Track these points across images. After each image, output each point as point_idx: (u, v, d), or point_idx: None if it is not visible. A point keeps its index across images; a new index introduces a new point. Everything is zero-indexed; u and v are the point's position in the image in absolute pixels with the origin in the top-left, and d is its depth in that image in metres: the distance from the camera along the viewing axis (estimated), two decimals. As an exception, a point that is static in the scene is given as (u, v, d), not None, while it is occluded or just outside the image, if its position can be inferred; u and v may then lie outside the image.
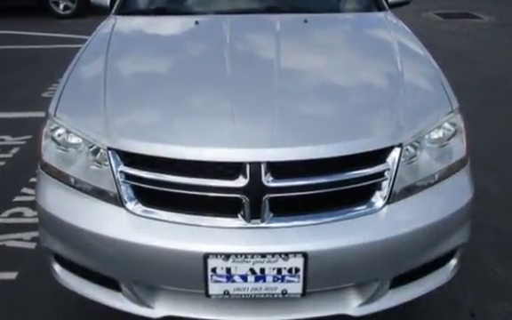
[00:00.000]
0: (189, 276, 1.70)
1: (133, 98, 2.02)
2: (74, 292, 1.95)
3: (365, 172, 1.73)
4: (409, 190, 1.80)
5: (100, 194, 1.79)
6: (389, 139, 1.77)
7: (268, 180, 1.66)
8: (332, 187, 1.71)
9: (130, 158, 1.75)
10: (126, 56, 2.39)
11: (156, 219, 1.72)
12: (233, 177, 1.67)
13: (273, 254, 1.64)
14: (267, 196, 1.67)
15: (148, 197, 1.75)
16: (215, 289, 1.70)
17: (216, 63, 2.19)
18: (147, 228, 1.72)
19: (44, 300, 2.37)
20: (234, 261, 1.65)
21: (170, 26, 2.72)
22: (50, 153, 1.92)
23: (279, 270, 1.66)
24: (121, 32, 2.61)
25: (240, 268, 1.66)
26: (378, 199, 1.75)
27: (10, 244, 2.79)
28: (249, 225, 1.69)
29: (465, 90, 4.57)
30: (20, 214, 3.07)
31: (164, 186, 1.72)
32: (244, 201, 1.67)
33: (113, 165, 1.76)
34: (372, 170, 1.73)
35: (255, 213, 1.68)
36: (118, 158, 1.76)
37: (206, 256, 1.64)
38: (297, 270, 1.66)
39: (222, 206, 1.71)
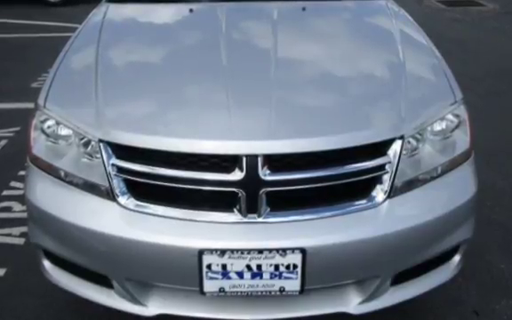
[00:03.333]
0: (184, 272, 1.65)
1: (126, 88, 1.95)
2: (64, 289, 1.89)
3: (365, 166, 1.68)
4: (411, 184, 1.75)
5: (91, 188, 1.73)
6: (390, 130, 1.72)
7: (264, 174, 1.60)
8: (331, 180, 1.66)
9: (122, 151, 1.69)
10: (118, 45, 2.32)
11: (149, 213, 1.67)
12: (229, 170, 1.62)
13: (270, 250, 1.59)
14: (263, 189, 1.61)
15: (140, 191, 1.69)
16: (210, 286, 1.64)
17: (211, 53, 2.12)
18: (139, 222, 1.66)
19: (33, 298, 2.30)
20: (230, 257, 1.60)
21: (163, 14, 2.64)
22: (39, 145, 1.86)
23: (276, 267, 1.61)
24: (113, 20, 2.53)
25: (236, 265, 1.61)
26: (378, 193, 1.70)
27: (-2, 239, 2.73)
28: (245, 220, 1.63)
29: (468, 80, 4.53)
30: (8, 209, 3.00)
31: (158, 179, 1.66)
32: (240, 195, 1.61)
33: (104, 158, 1.70)
34: (373, 163, 1.68)
35: (252, 208, 1.62)
36: (110, 151, 1.70)
37: (201, 252, 1.58)
38: (295, 267, 1.61)
39: (218, 201, 1.65)
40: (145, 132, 1.68)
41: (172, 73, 2.02)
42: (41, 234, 1.85)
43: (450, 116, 1.87)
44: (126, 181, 1.69)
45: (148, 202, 1.68)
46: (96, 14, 2.64)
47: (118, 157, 1.69)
